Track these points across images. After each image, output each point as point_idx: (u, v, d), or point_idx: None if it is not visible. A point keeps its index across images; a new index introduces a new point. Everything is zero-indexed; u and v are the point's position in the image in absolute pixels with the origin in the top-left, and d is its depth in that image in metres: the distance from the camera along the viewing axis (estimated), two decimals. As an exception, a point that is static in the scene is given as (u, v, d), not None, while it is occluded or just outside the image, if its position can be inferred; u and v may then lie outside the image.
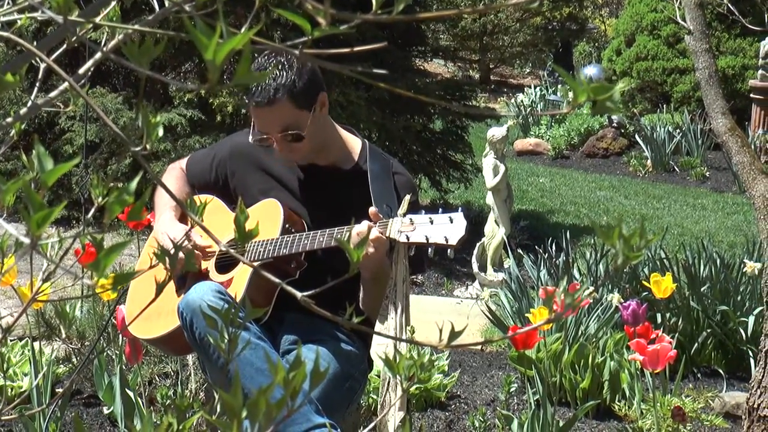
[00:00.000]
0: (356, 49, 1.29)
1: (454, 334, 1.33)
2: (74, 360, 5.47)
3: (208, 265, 3.62)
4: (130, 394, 4.72)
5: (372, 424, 1.60)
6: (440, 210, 3.22)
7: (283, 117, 3.44)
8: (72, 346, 5.48)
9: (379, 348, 3.40)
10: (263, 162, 3.70)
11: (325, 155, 3.62)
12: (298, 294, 1.28)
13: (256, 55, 3.52)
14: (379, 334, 1.45)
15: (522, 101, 17.55)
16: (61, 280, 5.18)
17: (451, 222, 3.14)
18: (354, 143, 3.70)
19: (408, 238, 3.18)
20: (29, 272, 4.85)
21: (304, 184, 3.65)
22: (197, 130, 8.86)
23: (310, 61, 3.40)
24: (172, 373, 5.30)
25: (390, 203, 3.36)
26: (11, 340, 5.43)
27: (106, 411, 4.94)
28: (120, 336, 4.77)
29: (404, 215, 3.22)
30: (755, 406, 4.58)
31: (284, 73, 3.41)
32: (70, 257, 4.98)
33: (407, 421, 3.34)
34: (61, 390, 5.09)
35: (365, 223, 3.24)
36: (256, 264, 3.45)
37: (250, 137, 3.55)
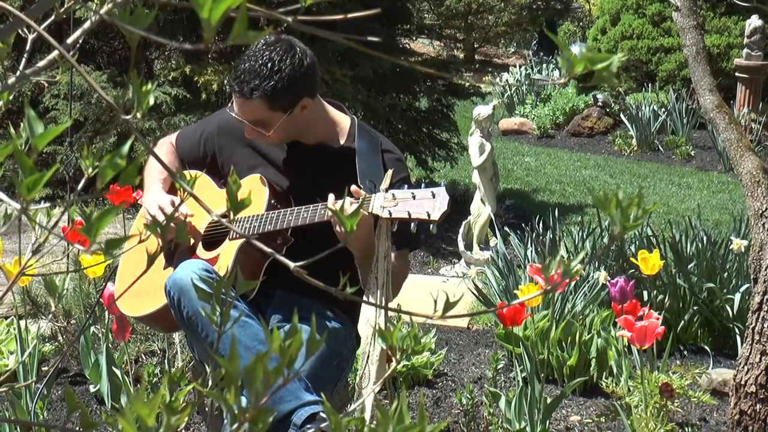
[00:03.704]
0: (350, 15, 1.28)
1: (448, 305, 1.31)
2: (60, 338, 5.45)
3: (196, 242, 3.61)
4: (117, 372, 4.71)
5: (357, 403, 1.59)
6: (423, 185, 3.20)
7: (254, 113, 3.46)
8: (58, 324, 5.46)
9: (362, 323, 3.39)
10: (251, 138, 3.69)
11: (311, 136, 3.61)
12: (291, 264, 1.27)
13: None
14: (371, 304, 1.44)
15: (507, 80, 17.53)
16: (47, 258, 5.17)
17: (434, 197, 3.13)
18: (343, 121, 3.69)
19: (390, 213, 3.16)
20: (14, 252, 4.84)
21: (292, 161, 3.64)
22: (182, 108, 8.82)
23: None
24: (159, 352, 5.29)
25: (375, 180, 3.35)
26: (-4, 319, 5.41)
27: (92, 389, 4.93)
28: (107, 314, 4.76)
29: (386, 191, 3.20)
30: (742, 382, 4.59)
31: (269, 73, 3.39)
32: (57, 233, 4.96)
33: (402, 392, 3.34)
34: (46, 368, 5.07)
35: (346, 200, 3.23)
36: (240, 241, 3.43)
37: (228, 110, 3.55)
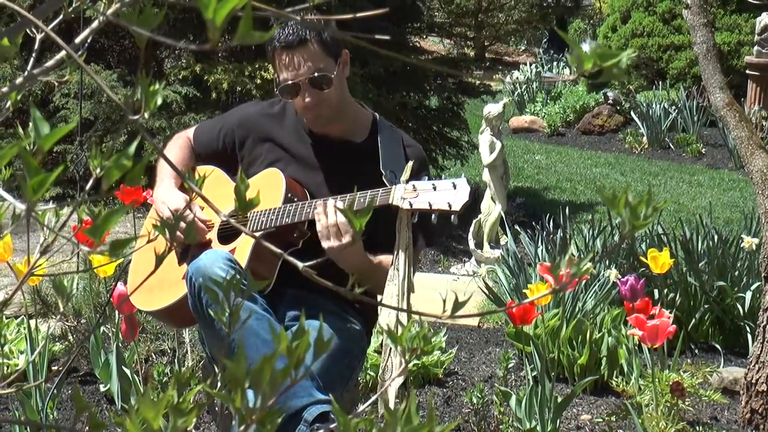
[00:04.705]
0: (358, 15, 1.27)
1: (457, 305, 1.31)
2: (70, 338, 5.46)
3: (211, 235, 3.60)
4: (127, 371, 4.70)
5: (375, 396, 1.58)
6: (443, 177, 3.21)
7: (313, 58, 3.43)
8: (68, 324, 5.46)
9: (383, 315, 3.38)
10: (272, 133, 3.68)
11: (340, 123, 3.59)
12: (300, 264, 1.26)
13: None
14: (381, 304, 1.44)
15: (517, 78, 17.51)
16: (56, 257, 5.16)
17: (454, 187, 3.14)
18: (366, 116, 3.68)
19: (411, 204, 3.17)
20: (25, 251, 4.84)
21: (314, 156, 3.62)
22: (192, 107, 8.83)
23: (311, 26, 3.39)
24: (169, 351, 5.29)
25: (396, 170, 3.35)
26: (6, 318, 5.41)
27: (102, 389, 4.93)
28: (117, 313, 4.76)
29: (407, 182, 3.21)
30: (753, 381, 4.58)
31: (312, 23, 3.40)
32: (66, 232, 4.96)
33: (411, 393, 3.33)
34: (56, 368, 5.07)
35: (367, 192, 3.23)
36: (258, 234, 3.42)
37: (276, 89, 3.53)
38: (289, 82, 3.47)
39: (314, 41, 3.42)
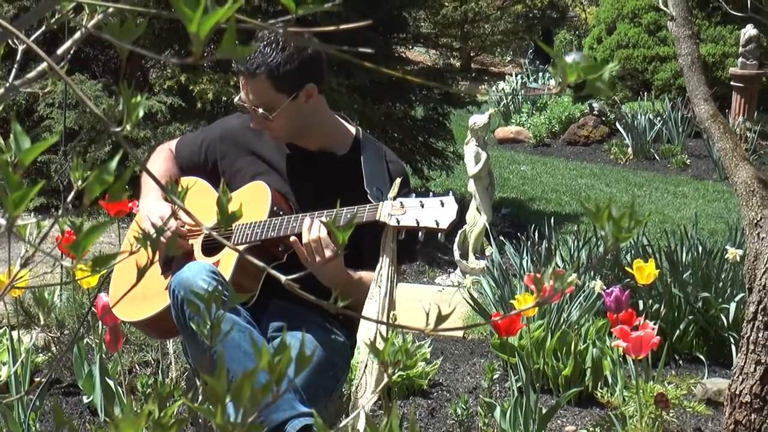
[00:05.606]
0: (342, 27, 1.27)
1: (440, 318, 1.30)
2: (53, 349, 5.43)
3: (195, 247, 3.59)
4: (110, 382, 4.68)
5: (352, 416, 1.58)
6: (431, 194, 3.21)
7: (258, 93, 3.44)
8: (51, 335, 5.44)
9: (361, 331, 3.38)
10: (254, 146, 3.68)
11: (313, 140, 3.59)
12: (282, 277, 1.25)
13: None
14: (364, 318, 1.43)
15: (503, 89, 17.53)
16: (40, 267, 5.14)
17: (442, 205, 3.15)
18: (348, 131, 3.68)
19: (398, 221, 3.17)
20: (7, 261, 4.83)
21: (296, 169, 3.62)
22: (177, 117, 8.81)
23: (292, 39, 3.38)
24: (153, 362, 5.27)
25: (381, 187, 3.35)
26: (-11, 329, 5.38)
27: (86, 400, 4.90)
28: (100, 324, 4.74)
29: (394, 199, 3.21)
30: (737, 392, 4.58)
31: (273, 53, 3.39)
32: (49, 243, 4.93)
33: (394, 404, 3.32)
34: (39, 379, 5.05)
35: (355, 208, 3.24)
36: (242, 247, 3.42)
37: (235, 98, 3.56)
38: (241, 102, 3.51)
39: (265, 76, 3.42)
